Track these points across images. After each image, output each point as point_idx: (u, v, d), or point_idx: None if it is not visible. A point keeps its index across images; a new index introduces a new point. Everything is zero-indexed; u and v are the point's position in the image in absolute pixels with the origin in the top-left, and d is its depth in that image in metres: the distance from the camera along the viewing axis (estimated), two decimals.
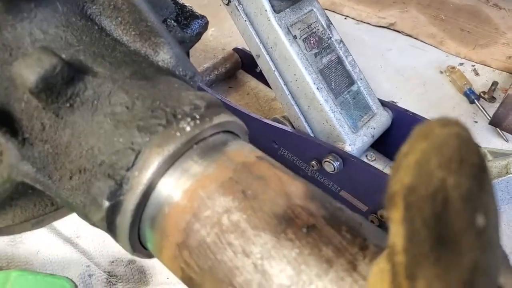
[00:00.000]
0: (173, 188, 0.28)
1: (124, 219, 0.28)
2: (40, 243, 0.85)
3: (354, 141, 0.81)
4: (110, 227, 0.29)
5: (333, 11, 1.48)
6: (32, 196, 0.40)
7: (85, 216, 0.32)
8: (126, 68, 0.33)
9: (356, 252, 0.24)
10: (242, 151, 0.31)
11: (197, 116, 0.30)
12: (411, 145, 0.16)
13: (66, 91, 0.31)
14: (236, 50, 1.20)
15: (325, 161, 0.80)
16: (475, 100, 1.11)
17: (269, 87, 0.92)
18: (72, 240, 0.87)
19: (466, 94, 1.14)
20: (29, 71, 0.29)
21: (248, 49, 0.98)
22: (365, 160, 0.88)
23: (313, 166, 0.85)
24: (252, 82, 1.22)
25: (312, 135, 0.85)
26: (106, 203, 0.28)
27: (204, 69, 1.15)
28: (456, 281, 0.14)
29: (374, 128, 0.84)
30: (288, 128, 0.88)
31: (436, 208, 0.14)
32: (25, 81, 0.29)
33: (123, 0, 0.36)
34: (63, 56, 0.33)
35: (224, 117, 0.31)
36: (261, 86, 1.20)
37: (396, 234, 0.15)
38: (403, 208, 0.15)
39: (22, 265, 0.83)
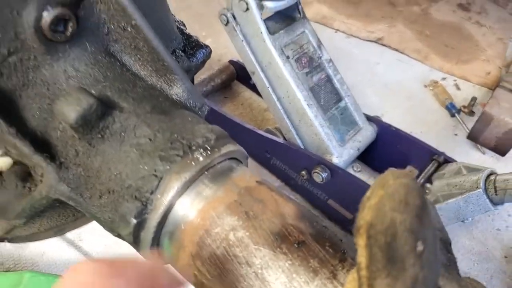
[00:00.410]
0: (188, 208, 0.34)
1: (148, 234, 0.34)
2: (45, 246, 0.90)
3: (341, 154, 0.88)
4: (135, 240, 0.35)
5: (324, 25, 1.55)
6: (58, 208, 0.46)
7: (111, 230, 0.38)
8: (147, 103, 0.39)
9: (336, 264, 0.31)
10: (245, 176, 0.37)
11: (208, 148, 0.36)
12: (372, 192, 0.22)
13: (99, 124, 0.37)
14: (231, 62, 1.26)
15: (314, 172, 0.87)
16: (456, 114, 1.18)
17: (262, 98, 0.98)
18: (75, 243, 0.92)
19: (447, 108, 1.21)
20: (70, 109, 0.35)
21: (241, 62, 1.05)
22: (351, 171, 0.94)
23: (303, 176, 0.91)
24: (246, 93, 1.28)
25: (302, 147, 0.91)
26: (134, 221, 0.34)
27: (201, 80, 1.21)
28: None
29: (360, 142, 0.91)
30: (280, 140, 0.95)
31: (388, 238, 0.20)
32: (66, 118, 0.35)
33: (143, 43, 0.41)
34: (93, 92, 0.39)
35: (229, 147, 0.38)
36: (255, 97, 1.26)
37: (361, 255, 0.22)
38: (366, 237, 0.21)
39: (28, 266, 0.89)
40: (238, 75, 1.27)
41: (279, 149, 0.95)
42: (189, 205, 0.34)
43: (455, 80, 1.34)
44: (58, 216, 0.48)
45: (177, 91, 0.43)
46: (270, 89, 0.89)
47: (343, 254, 0.31)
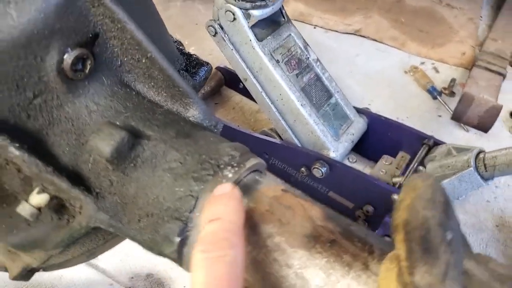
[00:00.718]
0: None
1: (190, 249, 0.37)
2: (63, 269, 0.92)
3: (337, 148, 0.92)
4: (179, 256, 0.38)
5: (303, 22, 1.59)
6: (90, 234, 0.48)
7: (151, 249, 0.41)
8: (171, 129, 0.42)
9: (366, 256, 0.34)
10: (271, 186, 0.40)
11: (235, 164, 0.39)
12: (404, 194, 0.26)
13: (130, 154, 0.39)
14: (218, 68, 1.28)
15: (313, 168, 0.91)
16: (438, 96, 1.24)
17: (253, 100, 1.01)
18: (91, 262, 0.94)
19: (429, 91, 1.27)
20: (104, 144, 0.38)
21: (231, 69, 1.07)
22: (347, 163, 0.99)
23: (302, 172, 0.95)
24: (237, 97, 1.31)
25: (299, 145, 0.95)
26: (177, 239, 0.37)
27: None
28: (437, 273, 0.24)
29: (353, 134, 0.95)
30: (277, 140, 0.98)
31: (422, 232, 0.24)
32: (102, 153, 0.38)
33: (158, 72, 0.44)
34: (118, 123, 0.41)
35: (253, 161, 0.41)
36: (245, 100, 1.30)
37: (400, 249, 0.25)
38: (403, 233, 0.25)
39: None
40: (226, 80, 1.30)
41: (277, 149, 0.98)
42: None
43: (433, 64, 1.40)
44: (90, 241, 0.50)
45: (194, 113, 0.46)
46: (263, 94, 0.92)
47: (370, 247, 0.35)
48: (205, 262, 0.30)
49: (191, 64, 0.59)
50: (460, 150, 0.83)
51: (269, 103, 0.93)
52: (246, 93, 1.16)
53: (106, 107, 0.43)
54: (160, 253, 0.40)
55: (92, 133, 0.39)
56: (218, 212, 0.34)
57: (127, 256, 0.94)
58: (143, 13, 0.45)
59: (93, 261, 0.93)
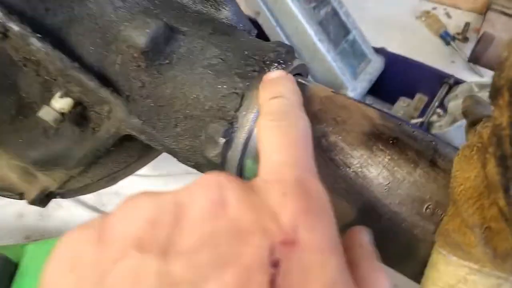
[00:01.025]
0: None
1: (235, 153, 0.34)
2: (68, 215, 0.89)
3: (355, 87, 0.88)
4: (223, 161, 0.34)
5: None
6: (112, 154, 0.45)
7: (187, 159, 0.37)
8: (207, 26, 0.38)
9: (432, 153, 0.31)
10: (320, 87, 0.37)
11: (282, 61, 0.35)
12: (509, 50, 0.22)
13: (165, 49, 0.35)
14: None
15: None
16: (451, 42, 1.20)
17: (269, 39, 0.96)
18: (98, 208, 0.91)
19: (442, 37, 1.22)
20: (139, 33, 0.33)
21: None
22: None
23: None
24: None
25: None
26: (222, 140, 0.33)
27: None
28: None
29: (371, 74, 0.91)
30: None
31: None
32: (136, 42, 0.33)
33: None
34: None
35: (299, 61, 0.37)
36: None
37: (502, 115, 0.22)
38: (509, 95, 0.22)
39: (54, 236, 0.87)
40: None
41: None
42: None
43: (445, 9, 1.35)
44: (111, 163, 0.47)
45: (227, 14, 0.42)
46: (277, 28, 0.87)
47: (435, 145, 0.32)
48: (277, 128, 0.27)
49: None
50: (483, 86, 0.80)
51: (284, 39, 0.88)
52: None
53: (133, 3, 0.39)
54: (198, 163, 0.37)
55: (124, 23, 0.35)
56: (278, 91, 0.30)
57: None
58: None
59: (99, 206, 0.90)
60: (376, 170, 0.31)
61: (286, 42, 0.88)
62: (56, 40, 0.37)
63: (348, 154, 0.32)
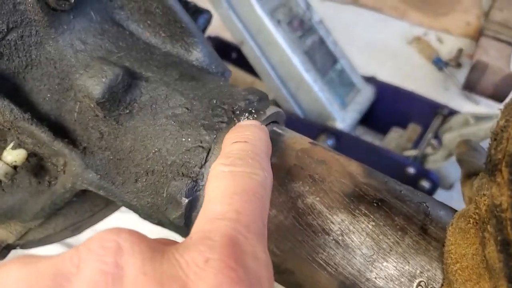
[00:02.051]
0: None
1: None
2: (46, 252, 0.84)
3: (344, 118, 0.85)
4: (187, 223, 0.31)
5: None
6: (74, 204, 0.41)
7: (150, 216, 0.34)
8: (173, 70, 0.35)
9: (423, 218, 0.28)
10: (296, 138, 0.33)
11: (253, 110, 0.32)
12: (506, 120, 0.19)
13: (125, 98, 0.32)
14: (209, 38, 1.20)
15: (319, 140, 0.84)
16: (444, 68, 1.18)
17: (247, 71, 0.94)
18: (71, 242, 0.87)
19: (434, 63, 1.21)
20: (94, 82, 0.30)
21: (222, 37, 0.99)
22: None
23: None
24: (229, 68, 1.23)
25: (302, 116, 0.88)
26: (185, 200, 0.29)
27: None
28: None
29: (361, 104, 0.89)
30: None
31: None
32: (91, 93, 0.30)
33: (157, 4, 0.36)
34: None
35: (273, 109, 0.34)
36: (238, 72, 1.22)
37: (502, 195, 0.19)
38: (508, 172, 0.18)
39: None
40: (218, 51, 1.21)
41: None
42: None
43: (437, 34, 1.34)
44: (75, 213, 0.43)
45: (198, 56, 0.38)
46: (262, 58, 0.85)
47: (426, 208, 0.29)
48: (229, 175, 0.23)
49: (188, 12, 0.50)
50: (479, 118, 0.77)
51: (269, 69, 0.85)
52: (239, 64, 1.08)
53: (95, 46, 0.35)
54: (161, 221, 0.33)
55: (79, 71, 0.32)
56: (245, 136, 0.27)
57: None
58: None
59: (74, 240, 0.85)
60: (359, 239, 0.28)
61: (271, 72, 0.85)
62: (10, 86, 0.33)
63: (328, 219, 0.28)
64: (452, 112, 0.85)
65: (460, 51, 1.20)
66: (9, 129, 0.34)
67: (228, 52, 1.14)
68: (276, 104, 0.94)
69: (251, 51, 0.86)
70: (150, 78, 0.33)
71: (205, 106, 0.32)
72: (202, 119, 0.31)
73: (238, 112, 0.32)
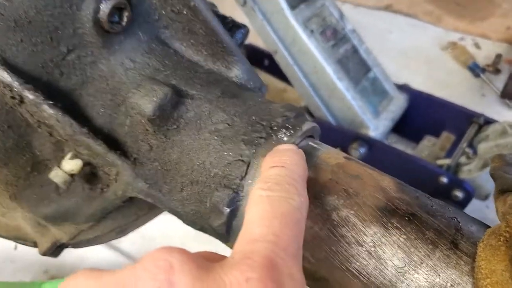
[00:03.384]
0: None
1: (241, 222, 0.32)
2: (84, 250, 0.89)
3: (377, 126, 0.86)
4: (228, 230, 0.33)
5: None
6: (122, 208, 0.44)
7: (193, 223, 0.36)
8: (215, 88, 0.37)
9: (454, 233, 0.29)
10: (332, 153, 0.35)
11: (290, 126, 0.34)
12: None
13: (173, 115, 0.35)
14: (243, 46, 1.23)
15: (351, 148, 0.85)
16: (480, 74, 1.16)
17: (278, 78, 0.96)
18: (114, 244, 0.91)
19: (470, 68, 1.19)
20: (146, 101, 0.33)
21: (255, 45, 1.02)
22: (387, 143, 0.93)
23: None
24: (261, 76, 1.25)
25: (334, 123, 0.89)
26: (227, 210, 0.32)
27: None
28: None
29: (393, 112, 0.89)
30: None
31: None
32: (142, 111, 0.33)
33: (201, 25, 0.39)
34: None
35: (309, 124, 0.36)
36: (270, 79, 1.24)
37: None
38: None
39: (71, 272, 0.88)
40: (250, 58, 1.24)
41: None
42: None
43: (473, 39, 1.31)
44: (122, 216, 0.46)
45: (237, 73, 0.41)
46: (295, 67, 0.87)
47: (457, 223, 0.30)
48: (267, 199, 0.25)
49: (226, 27, 0.53)
50: None
51: (302, 77, 0.87)
52: (271, 71, 1.10)
53: (144, 64, 0.39)
54: (204, 228, 0.36)
55: (132, 90, 0.35)
56: (282, 161, 0.29)
57: (150, 239, 0.91)
58: None
59: (115, 244, 0.90)
60: (391, 251, 0.29)
61: (304, 80, 0.87)
62: (68, 102, 0.37)
63: (361, 231, 0.30)
64: (489, 121, 0.84)
65: (499, 56, 1.17)
66: (66, 140, 0.38)
67: (260, 59, 1.17)
68: (308, 111, 0.95)
69: (284, 60, 0.88)
70: (194, 96, 0.36)
71: (245, 122, 0.34)
72: (242, 134, 0.34)
73: (276, 128, 0.34)
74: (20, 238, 0.50)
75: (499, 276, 0.24)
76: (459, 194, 0.72)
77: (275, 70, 0.93)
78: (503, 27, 1.31)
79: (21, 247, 0.91)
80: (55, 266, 0.88)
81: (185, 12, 0.39)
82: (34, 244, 0.51)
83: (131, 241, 0.89)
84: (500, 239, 0.24)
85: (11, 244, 0.92)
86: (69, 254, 0.91)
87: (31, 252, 0.91)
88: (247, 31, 0.56)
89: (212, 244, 0.93)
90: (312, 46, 0.83)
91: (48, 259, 0.92)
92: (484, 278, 0.25)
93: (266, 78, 1.25)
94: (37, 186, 0.42)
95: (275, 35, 0.86)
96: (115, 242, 0.92)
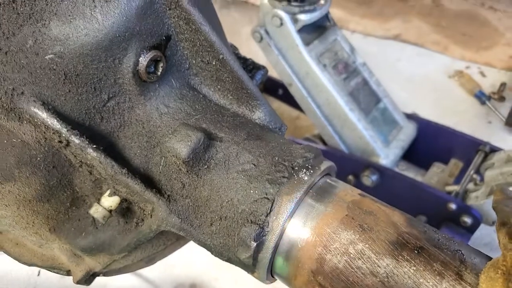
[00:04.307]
0: (302, 227, 0.36)
1: (266, 255, 0.36)
2: (106, 279, 0.92)
3: (388, 154, 0.89)
4: (254, 263, 0.36)
5: (340, 28, 1.57)
6: (152, 239, 0.48)
7: (221, 254, 0.40)
8: (241, 131, 0.41)
9: (459, 265, 0.32)
10: (347, 190, 0.39)
11: (310, 167, 0.38)
12: None
13: (204, 156, 0.39)
14: None
15: (363, 176, 0.88)
16: (486, 101, 1.20)
17: (292, 106, 1.00)
18: (136, 271, 0.94)
19: (476, 96, 1.22)
20: (182, 145, 0.37)
21: (270, 75, 1.07)
22: (397, 170, 0.96)
23: (350, 181, 0.93)
24: (275, 104, 1.30)
25: (346, 152, 0.93)
26: (254, 244, 0.35)
27: None
28: None
29: (403, 140, 0.92)
30: (322, 147, 0.96)
31: None
32: (178, 154, 0.37)
33: (228, 74, 0.43)
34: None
35: (326, 164, 0.39)
36: (284, 106, 1.28)
37: None
38: None
39: None
40: (265, 87, 1.29)
41: None
42: (303, 224, 0.36)
43: (479, 68, 1.35)
44: (151, 246, 0.50)
45: (260, 115, 0.45)
46: (309, 99, 0.91)
47: (462, 255, 0.33)
48: None
49: (247, 68, 0.58)
50: None
51: (315, 108, 0.91)
52: (285, 99, 1.15)
53: (176, 109, 0.43)
54: (231, 259, 0.39)
55: (168, 135, 0.39)
56: None
57: (171, 266, 0.94)
58: (210, 14, 0.45)
59: (142, 271, 0.93)
60: (402, 281, 0.32)
61: (317, 111, 0.91)
62: (108, 144, 0.41)
63: (375, 263, 0.33)
64: (494, 149, 0.87)
65: (503, 84, 1.21)
66: (105, 179, 0.41)
67: (275, 88, 1.22)
68: (322, 139, 0.99)
69: (298, 92, 0.92)
70: (223, 138, 0.40)
71: (268, 163, 0.38)
72: (266, 174, 0.38)
73: (297, 168, 0.38)
74: (55, 268, 0.54)
75: None
76: (467, 220, 0.75)
77: (289, 99, 0.97)
78: (506, 56, 1.35)
79: (44, 273, 0.94)
80: None
81: (214, 63, 0.43)
82: (68, 273, 0.54)
83: (152, 267, 0.92)
84: (498, 272, 0.27)
85: (35, 270, 0.95)
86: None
87: (53, 279, 0.95)
88: (266, 72, 0.61)
89: (230, 272, 0.96)
90: (325, 79, 0.88)
91: (70, 285, 0.95)
92: None
93: (281, 106, 1.30)
94: (75, 220, 0.46)
95: (290, 69, 0.91)
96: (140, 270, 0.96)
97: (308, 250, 0.36)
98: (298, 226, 0.36)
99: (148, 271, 0.93)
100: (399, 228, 0.35)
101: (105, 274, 0.53)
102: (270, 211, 0.36)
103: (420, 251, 0.33)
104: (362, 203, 0.37)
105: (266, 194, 0.37)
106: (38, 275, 0.92)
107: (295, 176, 0.37)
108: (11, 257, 0.53)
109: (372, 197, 0.39)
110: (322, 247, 0.35)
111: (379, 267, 0.33)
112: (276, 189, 0.37)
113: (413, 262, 0.33)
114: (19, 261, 0.52)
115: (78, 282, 0.51)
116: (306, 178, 0.37)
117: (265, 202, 0.36)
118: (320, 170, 0.38)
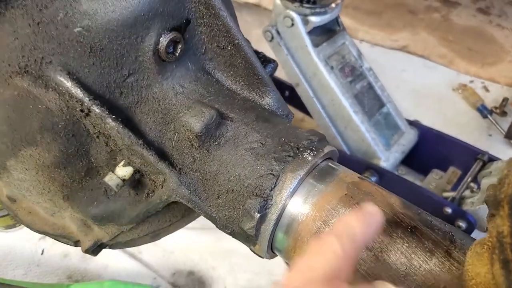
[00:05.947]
0: (303, 202, 0.38)
1: (268, 226, 0.38)
2: (108, 259, 0.94)
3: (388, 158, 0.91)
4: (257, 233, 0.39)
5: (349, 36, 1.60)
6: (159, 213, 0.50)
7: (225, 227, 0.42)
8: (251, 113, 0.44)
9: (448, 244, 0.35)
10: (348, 173, 0.41)
11: (314, 148, 0.40)
12: (509, 170, 0.26)
13: (216, 133, 0.41)
14: None
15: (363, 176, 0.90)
16: (488, 115, 1.22)
17: (297, 108, 1.03)
18: (135, 255, 0.96)
19: (479, 110, 1.24)
20: (196, 120, 0.40)
21: (277, 77, 1.10)
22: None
23: None
24: None
25: (348, 153, 0.95)
26: (258, 215, 0.38)
27: None
28: None
29: (404, 145, 0.95)
30: None
31: None
32: (192, 128, 0.40)
33: (241, 59, 0.46)
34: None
35: (329, 148, 0.42)
36: (290, 108, 1.31)
37: (503, 225, 0.26)
38: (508, 208, 0.25)
39: (94, 278, 0.93)
40: None
41: None
42: (304, 200, 0.39)
43: (482, 83, 1.38)
44: (157, 221, 0.52)
45: (269, 101, 0.48)
46: (314, 99, 0.94)
47: (452, 236, 0.35)
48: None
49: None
50: None
51: (320, 108, 0.94)
52: (290, 101, 1.17)
53: (191, 90, 0.46)
54: (234, 231, 0.42)
55: (183, 110, 0.42)
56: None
57: (170, 253, 0.96)
58: (227, 2, 0.48)
59: (137, 253, 0.95)
60: (395, 256, 0.35)
61: (322, 111, 0.94)
62: (125, 117, 0.44)
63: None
64: (492, 159, 0.89)
65: (505, 100, 1.23)
66: (121, 150, 0.44)
67: (282, 90, 1.24)
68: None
69: (305, 92, 0.95)
70: (234, 118, 0.43)
71: (275, 143, 0.41)
72: (273, 152, 0.40)
73: (302, 149, 0.40)
74: (64, 237, 0.56)
75: (483, 277, 0.29)
76: (462, 224, 0.77)
77: (295, 101, 1.00)
78: (511, 73, 1.37)
79: (47, 252, 0.97)
80: (79, 272, 0.94)
81: (229, 48, 0.46)
82: (75, 244, 0.57)
83: (151, 253, 0.94)
84: (484, 247, 0.30)
85: (38, 249, 0.97)
86: (93, 262, 0.96)
87: (56, 258, 0.97)
88: (276, 65, 0.64)
89: (227, 259, 0.97)
90: (331, 81, 0.90)
91: (73, 265, 0.98)
92: (470, 280, 0.30)
93: None
94: (88, 189, 0.49)
95: (298, 69, 0.93)
96: (136, 253, 0.97)
97: (307, 224, 0.38)
98: (299, 202, 0.39)
99: (148, 256, 0.94)
100: (394, 208, 0.37)
101: (111, 246, 0.55)
102: (275, 186, 0.39)
103: (413, 230, 0.36)
104: (361, 185, 0.40)
105: (272, 171, 0.39)
106: (42, 253, 0.94)
107: (300, 156, 0.40)
108: (23, 224, 0.55)
109: (371, 181, 0.41)
110: (322, 222, 0.37)
111: (374, 242, 0.35)
112: (281, 167, 0.39)
113: (406, 239, 0.35)
114: (31, 228, 0.55)
115: (86, 251, 0.53)
116: (310, 158, 0.40)
117: (270, 178, 0.39)
118: (324, 153, 0.41)
